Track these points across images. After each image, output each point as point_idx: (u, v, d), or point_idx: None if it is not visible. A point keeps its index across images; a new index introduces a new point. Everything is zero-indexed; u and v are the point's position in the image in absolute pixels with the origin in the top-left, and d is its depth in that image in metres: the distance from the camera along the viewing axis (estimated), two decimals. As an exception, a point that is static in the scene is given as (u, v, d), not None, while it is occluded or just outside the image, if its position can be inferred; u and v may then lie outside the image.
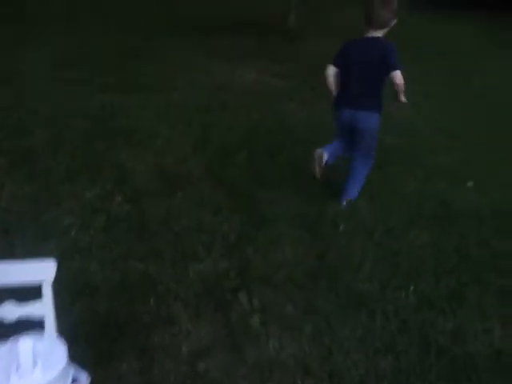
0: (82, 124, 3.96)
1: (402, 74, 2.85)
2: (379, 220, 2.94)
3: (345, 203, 3.07)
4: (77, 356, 1.47)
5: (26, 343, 1.34)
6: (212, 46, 7.00)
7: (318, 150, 3.06)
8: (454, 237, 2.83)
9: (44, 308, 1.42)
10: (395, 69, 2.83)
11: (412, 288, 2.39)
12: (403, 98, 2.98)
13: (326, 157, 3.04)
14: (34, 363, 1.31)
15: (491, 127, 4.67)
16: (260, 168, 3.43)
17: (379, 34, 2.93)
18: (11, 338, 1.39)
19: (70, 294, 2.12)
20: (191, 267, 2.43)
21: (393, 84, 2.88)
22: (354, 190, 3.10)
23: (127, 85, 4.98)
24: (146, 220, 2.77)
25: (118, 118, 4.16)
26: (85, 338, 1.88)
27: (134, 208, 2.87)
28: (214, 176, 3.29)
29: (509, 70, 6.96)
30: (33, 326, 1.44)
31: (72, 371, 1.41)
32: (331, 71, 3.03)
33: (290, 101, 4.97)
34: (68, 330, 1.54)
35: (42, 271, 1.41)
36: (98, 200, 2.91)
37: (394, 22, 2.93)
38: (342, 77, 3.02)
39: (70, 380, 1.38)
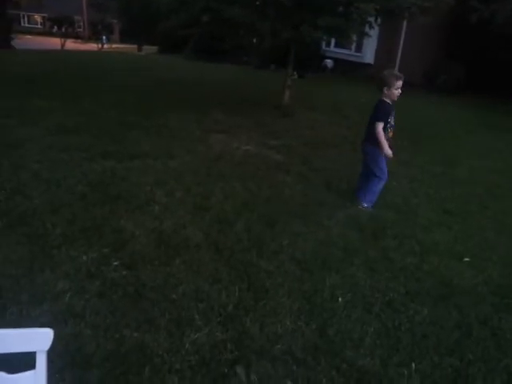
0: (81, 188, 3.97)
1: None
2: (378, 292, 2.92)
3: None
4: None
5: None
6: (209, 121, 7.26)
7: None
8: (453, 313, 2.79)
9: (37, 380, 1.35)
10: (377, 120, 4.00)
11: (414, 366, 2.32)
12: (385, 151, 4.00)
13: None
14: None
15: (485, 205, 4.79)
16: (258, 238, 3.42)
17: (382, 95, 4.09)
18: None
19: (61, 362, 2.03)
20: (187, 337, 2.35)
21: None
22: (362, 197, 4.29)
23: (126, 152, 5.09)
24: (143, 286, 2.71)
25: (117, 183, 4.20)
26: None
27: (130, 274, 2.81)
28: (213, 243, 3.26)
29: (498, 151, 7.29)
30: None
31: None
32: None
33: (286, 174, 5.08)
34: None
35: (37, 340, 1.34)
36: (95, 264, 2.86)
37: (386, 89, 3.99)
38: None
39: None
